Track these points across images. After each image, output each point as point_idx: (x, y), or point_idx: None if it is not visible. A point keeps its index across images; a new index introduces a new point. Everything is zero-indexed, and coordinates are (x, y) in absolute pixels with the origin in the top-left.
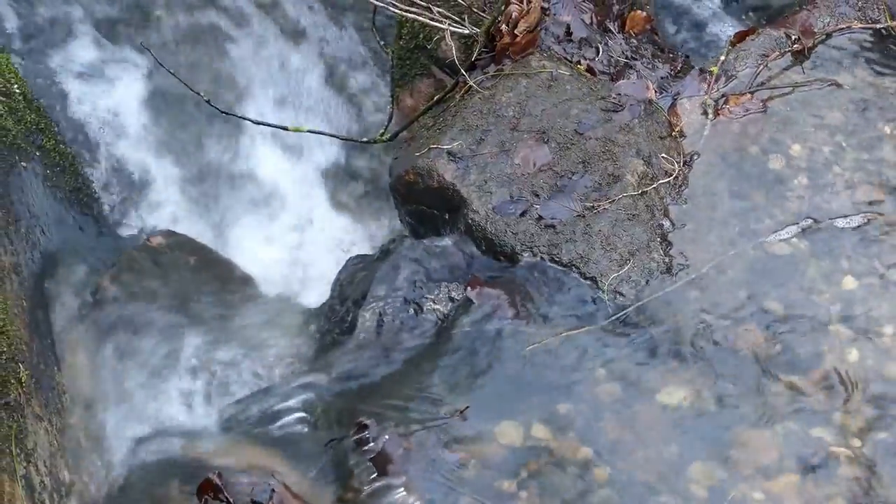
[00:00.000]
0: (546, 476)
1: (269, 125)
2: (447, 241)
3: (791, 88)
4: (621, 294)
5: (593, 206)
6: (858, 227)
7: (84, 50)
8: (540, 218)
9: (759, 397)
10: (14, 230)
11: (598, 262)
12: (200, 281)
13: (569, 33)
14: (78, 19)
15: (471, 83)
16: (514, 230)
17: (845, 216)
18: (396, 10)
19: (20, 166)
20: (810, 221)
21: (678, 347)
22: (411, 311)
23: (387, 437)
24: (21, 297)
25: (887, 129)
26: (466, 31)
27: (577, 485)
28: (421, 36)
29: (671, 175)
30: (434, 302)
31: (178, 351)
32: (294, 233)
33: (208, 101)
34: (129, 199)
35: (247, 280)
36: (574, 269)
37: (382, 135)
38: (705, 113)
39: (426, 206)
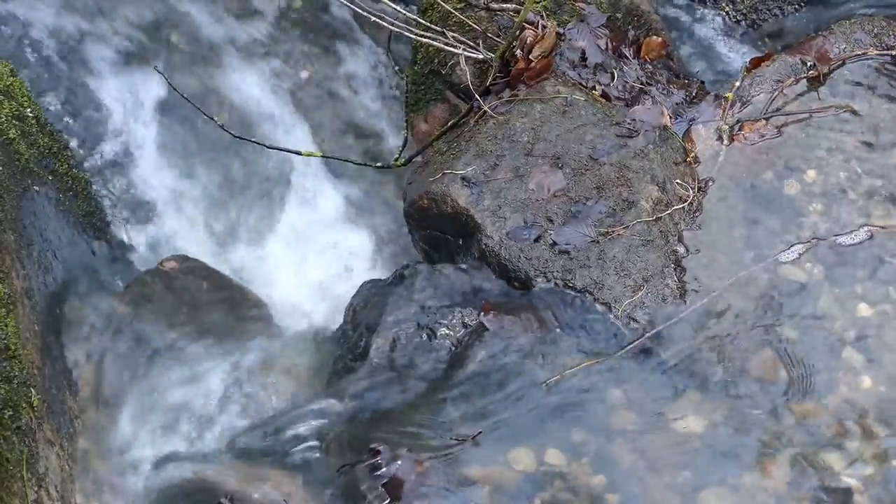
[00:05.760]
0: (560, 502)
1: (282, 150)
2: (461, 267)
3: (806, 114)
4: (635, 320)
5: (608, 232)
6: (861, 242)
7: (97, 74)
8: (554, 244)
9: (773, 424)
10: (26, 254)
11: (612, 287)
12: (213, 305)
13: (584, 59)
14: (92, 44)
15: (485, 108)
16: (527, 256)
17: (850, 232)
18: (411, 35)
19: (33, 190)
20: (816, 241)
21: (691, 373)
22: (424, 336)
23: (399, 462)
24: (33, 322)
25: None
26: (481, 57)
27: None
28: (436, 61)
29: (686, 201)
30: (447, 328)
31: (190, 375)
32: (307, 258)
33: (221, 126)
34: (141, 223)
35: (260, 305)
36: (588, 294)
37: (396, 160)
38: (720, 139)
39: (440, 232)
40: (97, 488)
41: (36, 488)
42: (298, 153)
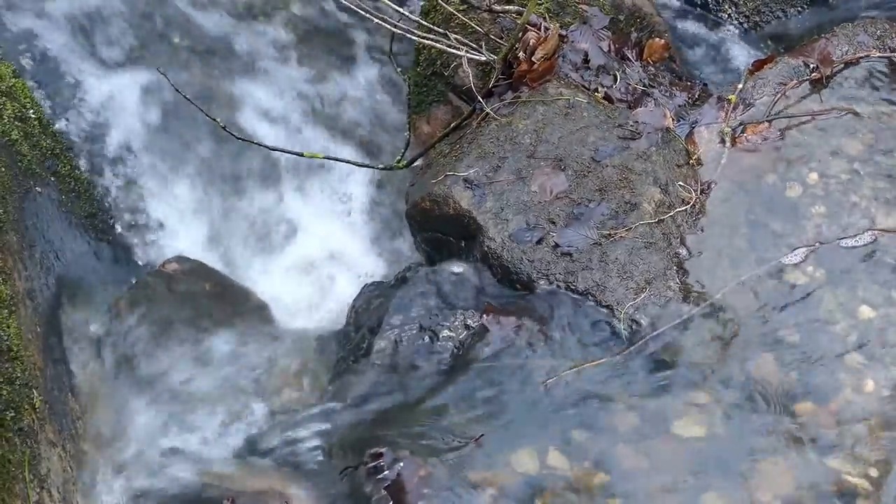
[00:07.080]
0: None
1: (284, 151)
2: (463, 269)
3: (809, 117)
4: (637, 322)
5: (610, 234)
6: (864, 245)
7: (100, 75)
8: (556, 246)
9: (776, 427)
10: (28, 255)
11: (614, 290)
12: (215, 307)
13: (586, 61)
14: (94, 44)
15: (487, 110)
16: (530, 258)
17: (853, 235)
18: (414, 37)
19: (35, 191)
20: (818, 243)
21: (693, 375)
22: (427, 338)
23: (401, 465)
24: (35, 323)
25: None
26: (484, 58)
27: None
28: (438, 63)
29: (688, 203)
30: (450, 329)
31: (192, 378)
32: (310, 260)
33: (224, 127)
34: (143, 224)
35: (262, 307)
36: (590, 297)
37: (399, 161)
38: (723, 141)
39: (442, 234)
40: (99, 490)
41: (38, 490)
42: (301, 155)
